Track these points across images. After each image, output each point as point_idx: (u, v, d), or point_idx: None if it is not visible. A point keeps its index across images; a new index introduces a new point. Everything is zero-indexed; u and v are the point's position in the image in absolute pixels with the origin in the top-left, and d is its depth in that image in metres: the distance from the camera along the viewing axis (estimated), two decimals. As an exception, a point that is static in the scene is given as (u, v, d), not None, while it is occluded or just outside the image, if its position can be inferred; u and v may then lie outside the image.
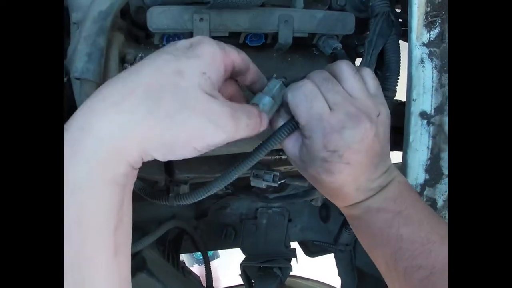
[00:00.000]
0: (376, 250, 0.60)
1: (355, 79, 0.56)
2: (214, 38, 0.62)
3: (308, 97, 0.55)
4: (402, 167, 0.72)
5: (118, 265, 0.45)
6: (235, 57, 0.52)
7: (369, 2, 0.73)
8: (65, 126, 0.43)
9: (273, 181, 0.72)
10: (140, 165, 0.46)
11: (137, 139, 0.43)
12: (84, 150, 0.42)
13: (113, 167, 0.43)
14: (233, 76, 0.54)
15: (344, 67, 0.57)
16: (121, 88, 0.44)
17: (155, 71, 0.45)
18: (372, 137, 0.55)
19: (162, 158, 0.46)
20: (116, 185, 0.44)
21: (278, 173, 0.72)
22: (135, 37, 0.68)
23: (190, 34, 0.62)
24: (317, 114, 0.54)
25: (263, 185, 0.73)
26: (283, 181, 0.76)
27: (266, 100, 0.55)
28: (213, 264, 2.10)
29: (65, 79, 0.69)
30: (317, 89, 0.55)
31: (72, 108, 0.79)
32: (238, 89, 0.57)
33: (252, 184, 0.74)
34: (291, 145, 0.58)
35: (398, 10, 0.86)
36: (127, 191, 0.46)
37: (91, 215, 0.42)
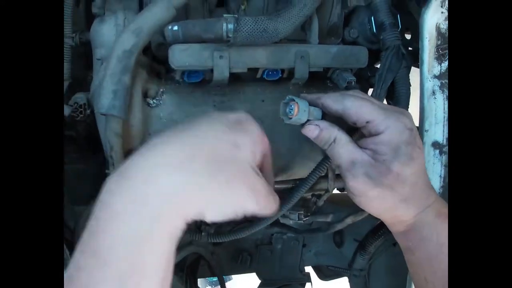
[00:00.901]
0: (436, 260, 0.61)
1: None
2: (233, 74, 0.65)
3: (365, 98, 0.60)
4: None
5: None
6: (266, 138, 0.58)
7: (380, 35, 0.75)
8: (123, 173, 0.47)
9: (299, 219, 0.78)
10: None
11: (198, 199, 0.47)
12: (149, 205, 0.45)
13: (174, 223, 0.46)
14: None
15: None
16: (184, 150, 0.48)
17: (215, 139, 0.50)
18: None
19: (210, 218, 0.49)
20: (173, 239, 0.47)
21: (302, 212, 0.78)
22: (156, 72, 0.70)
23: (210, 71, 0.65)
24: (381, 107, 0.59)
25: (290, 222, 0.79)
26: (307, 218, 0.79)
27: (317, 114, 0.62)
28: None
29: (88, 112, 0.72)
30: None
31: (93, 138, 0.82)
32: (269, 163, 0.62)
33: (282, 221, 0.80)
34: (354, 150, 0.59)
35: (408, 36, 0.89)
36: (177, 242, 0.49)
37: (147, 265, 0.45)
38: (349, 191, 0.61)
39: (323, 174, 0.68)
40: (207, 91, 0.70)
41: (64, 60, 0.76)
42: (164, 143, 0.49)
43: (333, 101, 0.60)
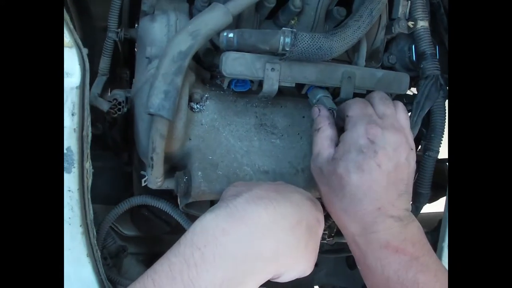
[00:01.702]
0: None
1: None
2: (281, 87, 0.65)
3: (362, 104, 0.64)
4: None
5: None
6: None
7: (420, 63, 0.76)
8: (236, 215, 0.50)
9: (323, 239, 0.78)
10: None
11: (292, 259, 0.53)
12: (260, 258, 0.49)
13: (266, 277, 0.51)
14: None
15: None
16: (293, 214, 0.53)
17: (308, 212, 0.55)
18: (404, 157, 0.60)
19: (284, 278, 0.54)
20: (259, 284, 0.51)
21: (326, 232, 0.79)
22: (201, 77, 0.70)
23: (258, 81, 0.65)
24: (367, 112, 0.62)
25: None
26: (330, 239, 0.79)
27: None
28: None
29: (125, 109, 0.71)
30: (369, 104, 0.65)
31: (126, 136, 0.81)
32: None
33: None
34: (326, 144, 0.63)
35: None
36: None
37: None
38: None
39: None
40: (249, 102, 0.70)
41: (105, 55, 0.76)
42: (272, 198, 0.53)
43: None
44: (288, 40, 0.60)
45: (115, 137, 0.84)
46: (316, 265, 1.08)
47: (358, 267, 0.63)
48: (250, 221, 0.49)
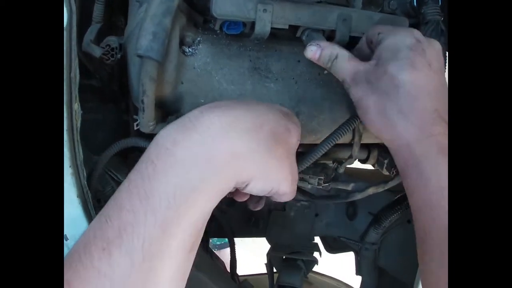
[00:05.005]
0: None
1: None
2: (274, 29, 0.64)
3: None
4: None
5: (189, 262, 0.49)
6: None
7: (421, 9, 0.74)
8: (189, 125, 0.49)
9: (318, 185, 0.77)
10: (233, 189, 0.52)
11: (254, 167, 0.50)
12: (215, 160, 0.47)
13: (228, 183, 0.49)
14: None
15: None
16: (253, 118, 0.51)
17: (274, 119, 0.53)
18: (444, 64, 0.62)
19: (251, 188, 0.51)
20: (218, 199, 0.49)
21: (322, 177, 0.77)
22: (194, 21, 0.69)
23: (251, 24, 0.63)
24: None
25: (308, 187, 0.79)
26: (327, 184, 0.78)
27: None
28: (225, 252, 2.13)
29: (119, 56, 0.70)
30: None
31: (122, 84, 0.81)
32: None
33: (298, 185, 0.77)
34: (357, 61, 0.62)
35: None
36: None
37: (188, 218, 0.46)
38: (354, 102, 0.63)
39: (348, 133, 0.67)
40: (243, 46, 0.68)
41: (98, 1, 0.74)
42: (230, 106, 0.51)
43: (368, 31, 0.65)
44: (278, -22, 0.59)
45: (113, 88, 0.84)
46: (317, 215, 1.10)
47: (404, 184, 0.61)
48: (201, 128, 0.47)
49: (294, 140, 0.55)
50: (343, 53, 0.63)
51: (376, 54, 0.61)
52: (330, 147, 0.66)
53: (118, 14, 0.83)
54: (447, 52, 0.75)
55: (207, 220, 0.49)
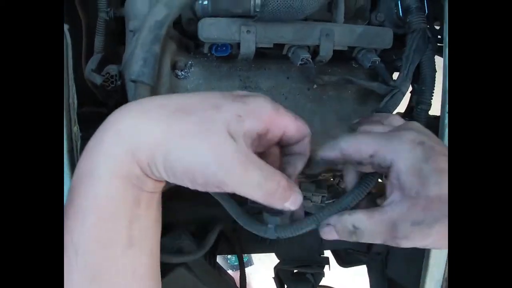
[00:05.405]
0: None
1: None
2: (259, 49, 0.67)
3: (361, 132, 0.59)
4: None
5: (132, 257, 0.47)
6: (289, 122, 0.50)
7: (406, 18, 0.76)
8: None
9: (321, 202, 0.77)
10: (153, 176, 0.46)
11: (148, 145, 0.44)
12: (104, 142, 0.45)
13: (128, 166, 0.45)
14: (283, 144, 0.53)
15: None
16: (159, 100, 0.47)
17: (198, 100, 0.47)
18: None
19: (166, 176, 0.45)
20: (129, 183, 0.45)
21: (325, 194, 0.77)
22: (186, 46, 0.73)
23: (237, 45, 0.67)
24: (380, 134, 0.53)
25: (310, 205, 0.78)
26: (331, 201, 0.80)
27: None
28: (246, 270, 2.13)
29: (119, 82, 0.75)
30: None
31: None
32: (279, 161, 0.55)
33: None
34: (389, 214, 0.49)
35: (438, 27, 0.89)
36: (144, 196, 0.47)
37: (105, 205, 0.45)
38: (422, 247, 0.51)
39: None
40: (233, 66, 0.72)
41: (98, 34, 0.80)
42: (147, 99, 0.49)
43: (329, 149, 0.54)
44: (258, 1, 0.63)
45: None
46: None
47: None
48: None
49: (224, 115, 0.44)
50: (358, 216, 0.50)
51: (395, 184, 0.49)
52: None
53: (120, 43, 0.88)
54: (435, 58, 0.77)
55: (135, 212, 0.46)
